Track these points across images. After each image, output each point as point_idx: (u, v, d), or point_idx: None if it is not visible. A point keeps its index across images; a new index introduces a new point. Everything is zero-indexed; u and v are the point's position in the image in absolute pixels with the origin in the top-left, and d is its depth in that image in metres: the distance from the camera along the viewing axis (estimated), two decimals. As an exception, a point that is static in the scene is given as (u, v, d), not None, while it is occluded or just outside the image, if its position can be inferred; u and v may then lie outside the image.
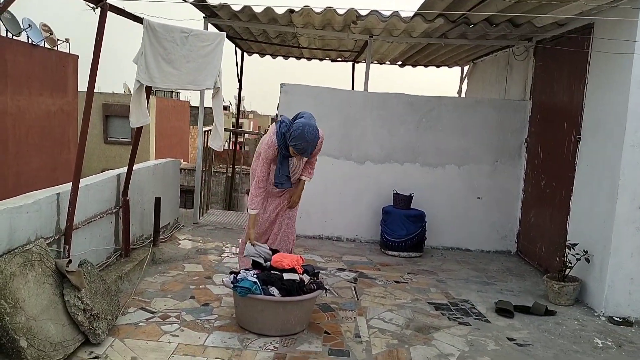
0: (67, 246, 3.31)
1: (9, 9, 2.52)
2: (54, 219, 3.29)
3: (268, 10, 5.24)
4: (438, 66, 8.51)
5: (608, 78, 4.20)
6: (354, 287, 4.34)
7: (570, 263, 4.23)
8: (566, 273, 4.26)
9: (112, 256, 4.17)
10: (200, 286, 4.08)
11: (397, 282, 4.59)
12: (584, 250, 4.21)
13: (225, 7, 5.28)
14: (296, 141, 3.51)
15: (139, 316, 3.43)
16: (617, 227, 3.98)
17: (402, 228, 5.42)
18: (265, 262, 3.54)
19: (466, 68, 8.38)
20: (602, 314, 4.02)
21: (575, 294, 4.22)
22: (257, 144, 4.26)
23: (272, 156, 3.71)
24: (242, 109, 11.58)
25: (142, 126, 3.91)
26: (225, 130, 5.04)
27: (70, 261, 3.08)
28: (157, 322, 3.36)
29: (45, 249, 3.04)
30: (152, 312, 3.50)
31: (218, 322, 3.43)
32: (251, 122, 37.86)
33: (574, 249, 4.25)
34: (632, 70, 3.88)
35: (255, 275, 3.32)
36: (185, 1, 5.16)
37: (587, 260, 4.18)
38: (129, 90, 23.03)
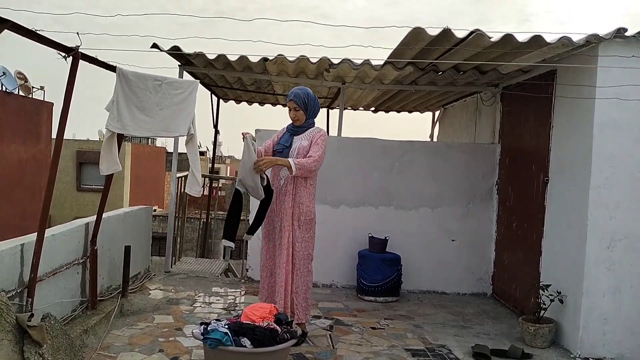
0: (30, 299, 3.17)
1: None
2: (17, 271, 3.17)
3: (243, 58, 5.34)
4: (410, 111, 8.71)
5: (572, 121, 4.36)
6: (330, 335, 4.24)
7: (545, 304, 4.23)
8: (541, 315, 4.26)
9: (78, 309, 4.01)
10: (170, 338, 3.94)
11: (373, 328, 4.52)
12: (557, 291, 4.23)
13: (200, 55, 5.36)
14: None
15: (105, 372, 3.28)
16: (587, 268, 4.02)
17: (378, 272, 5.38)
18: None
19: (437, 113, 8.60)
20: (578, 356, 4.01)
21: (550, 335, 4.20)
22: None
23: (280, 132, 4.09)
24: (219, 154, 11.59)
25: (112, 173, 3.87)
26: (202, 176, 5.02)
27: (32, 315, 2.95)
28: (123, 378, 3.21)
29: (6, 302, 2.90)
30: (119, 367, 3.35)
31: (188, 376, 3.30)
32: (228, 167, 37.78)
33: (547, 290, 4.27)
34: (593, 114, 4.03)
35: (226, 326, 3.22)
36: (161, 50, 5.22)
37: (561, 302, 4.20)
38: (104, 138, 22.93)
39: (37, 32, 2.93)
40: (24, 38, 2.86)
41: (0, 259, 3.00)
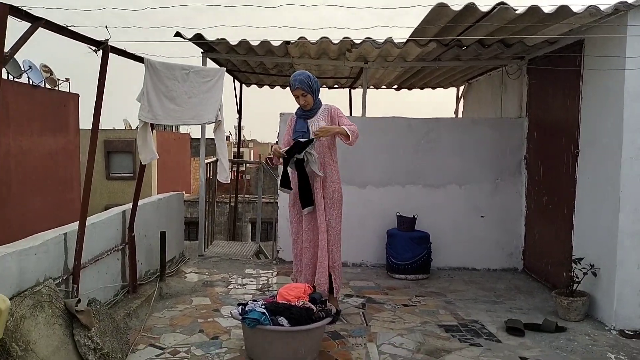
0: (76, 286, 3.33)
1: (7, 49, 2.61)
2: (61, 259, 3.31)
3: (265, 43, 5.36)
4: (433, 88, 8.63)
5: (601, 92, 4.28)
6: (363, 313, 4.33)
7: (578, 278, 4.22)
8: (574, 288, 4.25)
9: (120, 293, 4.18)
10: (209, 319, 4.08)
11: (405, 305, 4.58)
12: (590, 264, 4.21)
13: (223, 42, 5.40)
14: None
15: (149, 353, 3.43)
16: (621, 240, 3.99)
17: (408, 250, 5.42)
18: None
19: (461, 88, 8.50)
20: (613, 328, 4.00)
21: (584, 308, 4.20)
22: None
23: (291, 121, 4.19)
24: (242, 138, 11.70)
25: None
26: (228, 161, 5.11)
27: (79, 301, 3.10)
28: (167, 358, 3.35)
29: (54, 289, 3.06)
30: (162, 349, 3.50)
31: (228, 355, 3.42)
32: (251, 151, 38.03)
33: (580, 263, 4.25)
34: (624, 84, 3.95)
35: (263, 306, 3.33)
36: (184, 38, 5.28)
37: (594, 275, 4.18)
38: (130, 126, 23.31)
39: (69, 27, 3.02)
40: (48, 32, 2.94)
41: (46, 248, 3.15)
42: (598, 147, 4.32)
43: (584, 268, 4.20)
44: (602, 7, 3.83)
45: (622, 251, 3.99)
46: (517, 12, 4.09)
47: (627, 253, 3.99)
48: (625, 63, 3.93)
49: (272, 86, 8.49)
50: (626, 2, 3.81)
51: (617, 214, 4.00)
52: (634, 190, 3.98)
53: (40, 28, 2.78)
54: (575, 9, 3.88)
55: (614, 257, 4.02)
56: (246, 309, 3.34)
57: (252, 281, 5.26)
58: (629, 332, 3.94)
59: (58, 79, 13.69)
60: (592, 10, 3.86)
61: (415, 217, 5.67)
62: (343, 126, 3.88)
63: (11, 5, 2.58)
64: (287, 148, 3.96)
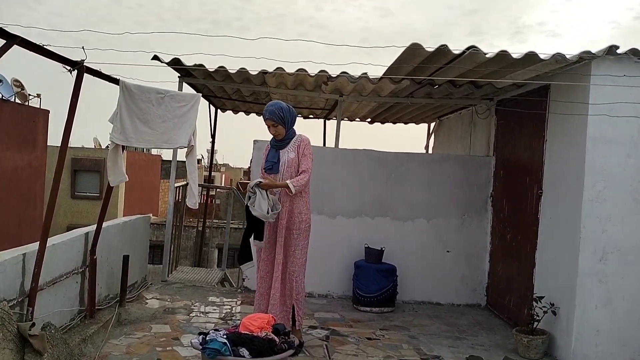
0: (31, 308, 3.21)
1: None
2: (18, 280, 3.20)
3: (242, 71, 5.41)
4: (406, 123, 8.81)
5: (565, 136, 4.45)
6: (326, 346, 4.28)
7: (538, 316, 4.30)
8: (534, 326, 4.32)
9: (77, 318, 4.03)
10: (167, 348, 3.97)
11: (369, 339, 4.56)
12: (550, 303, 4.29)
13: (201, 68, 5.42)
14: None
15: (104, 381, 3.30)
16: (580, 280, 4.09)
17: (374, 283, 5.43)
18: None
19: (432, 125, 8.70)
20: (571, 367, 4.06)
21: (544, 347, 4.26)
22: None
23: (265, 150, 4.23)
24: (214, 162, 11.64)
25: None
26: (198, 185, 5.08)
27: (33, 324, 2.99)
28: (122, 387, 3.24)
29: (8, 311, 2.94)
30: (118, 377, 3.38)
31: (186, 385, 3.33)
32: (223, 175, 37.79)
33: (540, 302, 4.33)
34: (586, 130, 4.11)
35: (225, 336, 3.26)
36: (162, 62, 5.28)
37: (554, 313, 4.26)
38: (100, 145, 22.92)
39: (45, 47, 3.00)
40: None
41: (3, 268, 3.04)
42: (561, 189, 4.47)
43: (544, 307, 4.28)
44: (567, 56, 4.02)
45: (582, 291, 4.08)
46: (487, 55, 4.24)
47: (585, 293, 4.08)
48: (588, 109, 4.10)
49: (247, 113, 8.52)
50: (590, 52, 4.01)
51: (577, 255, 4.11)
52: (594, 232, 4.10)
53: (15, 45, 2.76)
54: (542, 55, 4.06)
55: (573, 296, 4.11)
56: (207, 338, 3.26)
57: (215, 309, 5.16)
58: (587, 372, 4.00)
59: (29, 94, 13.44)
60: (558, 57, 4.04)
61: (383, 249, 5.70)
62: (287, 181, 3.88)
63: (-15, 22, 2.56)
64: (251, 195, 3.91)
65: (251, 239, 4.07)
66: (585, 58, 4.06)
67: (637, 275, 4.09)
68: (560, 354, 4.23)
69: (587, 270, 4.09)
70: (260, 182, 3.87)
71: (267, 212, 3.82)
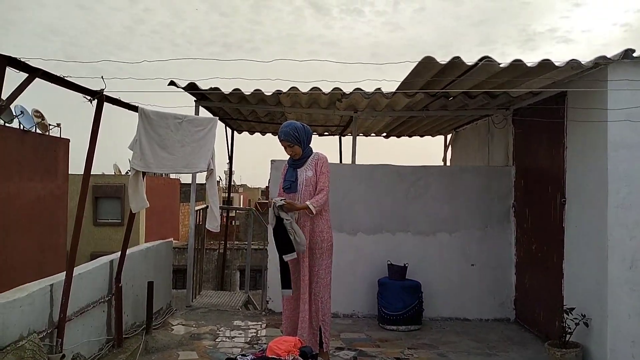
0: (60, 340, 3.24)
1: (3, 98, 2.64)
2: (47, 312, 3.23)
3: (257, 92, 5.47)
4: (422, 136, 8.78)
5: (585, 143, 4.38)
6: (354, 366, 4.23)
7: (570, 328, 4.19)
8: (567, 339, 4.21)
9: (105, 347, 4.06)
10: (196, 374, 3.96)
11: (397, 358, 4.49)
12: (582, 314, 4.19)
13: (216, 91, 5.50)
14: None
15: (133, 410, 3.30)
16: (611, 289, 3.99)
17: (399, 300, 5.36)
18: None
19: (449, 136, 8.66)
20: (607, 380, 3.95)
21: (578, 360, 4.15)
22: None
23: (284, 169, 4.24)
24: (232, 183, 11.73)
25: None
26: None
27: (63, 356, 3.01)
28: (152, 416, 3.23)
29: (38, 344, 2.97)
30: (147, 405, 3.37)
31: (216, 412, 3.30)
32: (241, 196, 37.97)
33: (571, 313, 4.23)
34: (607, 135, 4.05)
35: (253, 360, 3.25)
36: (178, 87, 5.37)
37: (586, 325, 4.15)
38: (119, 171, 23.25)
39: (65, 78, 3.07)
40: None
41: (31, 300, 3.07)
42: (584, 196, 4.39)
43: (575, 318, 4.18)
44: (582, 62, 3.98)
45: (613, 301, 3.98)
46: (501, 65, 4.22)
47: (618, 302, 3.98)
48: (607, 115, 4.05)
49: (263, 133, 8.58)
50: (605, 57, 3.96)
51: (606, 263, 4.02)
52: (622, 239, 4.01)
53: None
54: (557, 63, 4.03)
55: (604, 306, 4.01)
56: (235, 363, 3.26)
57: (240, 334, 5.14)
58: (624, 385, 3.88)
59: (49, 124, 13.73)
60: (574, 64, 4.00)
61: (406, 265, 5.64)
62: (307, 202, 3.89)
63: (10, 57, 2.63)
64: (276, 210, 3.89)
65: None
66: (601, 63, 4.02)
67: (670, 282, 3.98)
68: (595, 367, 4.11)
69: (617, 278, 4.00)
70: (284, 201, 3.86)
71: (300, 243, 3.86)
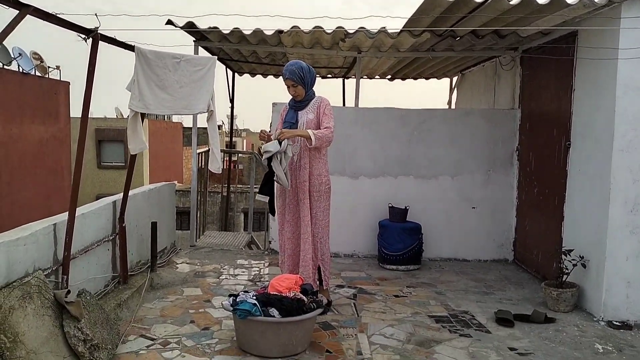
0: (65, 276, 3.30)
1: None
2: (51, 250, 3.29)
3: (257, 32, 5.31)
4: (427, 78, 8.61)
5: (594, 84, 4.28)
6: (354, 304, 4.34)
7: (567, 269, 4.26)
8: (563, 279, 4.28)
9: (110, 284, 4.16)
10: (200, 310, 4.07)
11: (396, 296, 4.60)
12: (580, 256, 4.24)
13: (215, 30, 5.34)
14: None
15: (139, 344, 3.42)
16: (611, 232, 4.02)
17: (399, 241, 5.44)
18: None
19: (455, 79, 8.48)
20: (601, 319, 4.04)
21: (573, 300, 4.24)
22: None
23: (283, 111, 4.18)
24: (235, 127, 11.64)
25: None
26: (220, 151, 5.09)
27: (69, 292, 3.08)
28: (157, 349, 3.35)
29: (44, 280, 3.03)
30: (152, 339, 3.49)
31: (219, 346, 3.42)
32: (244, 140, 37.90)
33: (569, 255, 4.28)
34: (616, 76, 3.95)
35: (254, 297, 3.32)
36: (176, 26, 5.22)
37: (584, 266, 4.21)
38: (122, 115, 23.12)
39: (57, 15, 2.97)
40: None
41: (35, 239, 3.12)
42: (590, 140, 4.33)
43: (573, 260, 4.24)
44: (595, -1, 3.82)
45: (612, 243, 4.01)
46: (511, 2, 4.07)
47: (616, 245, 4.01)
48: (618, 54, 3.93)
49: (264, 75, 8.43)
50: (620, -6, 3.79)
51: (607, 206, 4.02)
52: (624, 183, 3.99)
53: (28, 15, 2.73)
54: (569, 0, 3.87)
55: (603, 248, 4.05)
56: (237, 300, 3.33)
57: (243, 272, 5.25)
58: (617, 323, 3.98)
59: (49, 67, 13.50)
60: (586, 1, 3.84)
61: (407, 208, 5.67)
62: (308, 130, 3.82)
63: (-3, -8, 2.53)
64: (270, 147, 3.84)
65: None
66: (615, 1, 3.86)
67: (670, 225, 3.99)
68: (590, 307, 4.20)
69: (618, 221, 4.01)
70: (279, 131, 3.84)
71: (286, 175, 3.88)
